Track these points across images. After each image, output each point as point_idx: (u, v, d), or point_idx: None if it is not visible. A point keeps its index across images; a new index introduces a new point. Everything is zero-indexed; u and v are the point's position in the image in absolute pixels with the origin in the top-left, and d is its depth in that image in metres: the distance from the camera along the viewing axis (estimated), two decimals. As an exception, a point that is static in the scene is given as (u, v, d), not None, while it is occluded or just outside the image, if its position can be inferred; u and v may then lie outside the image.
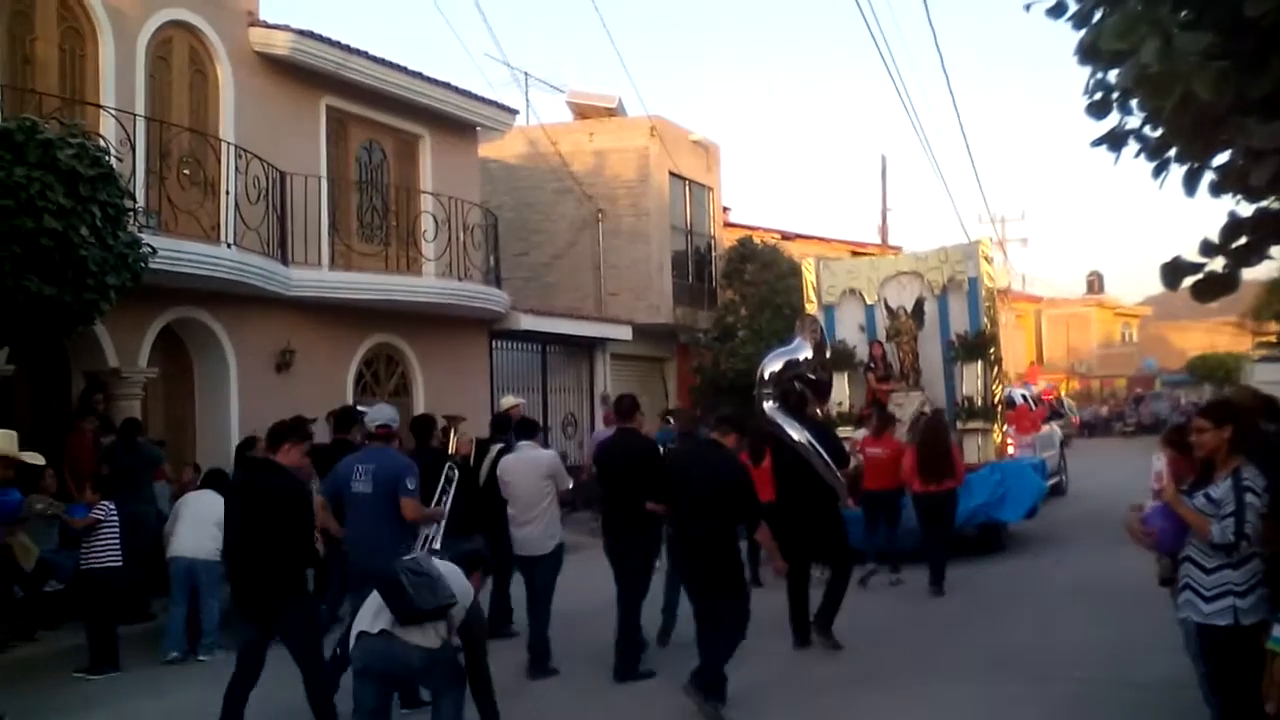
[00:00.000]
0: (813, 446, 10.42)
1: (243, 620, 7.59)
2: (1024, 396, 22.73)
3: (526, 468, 9.70)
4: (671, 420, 18.95)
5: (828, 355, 13.91)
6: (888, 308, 16.88)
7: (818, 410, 12.20)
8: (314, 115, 16.28)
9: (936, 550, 12.95)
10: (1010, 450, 17.01)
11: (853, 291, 17.16)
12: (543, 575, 9.55)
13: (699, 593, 8.37)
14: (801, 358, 11.77)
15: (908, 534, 13.58)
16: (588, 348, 23.31)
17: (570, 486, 10.49)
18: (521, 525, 9.59)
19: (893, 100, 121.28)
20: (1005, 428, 16.65)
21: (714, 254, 27.60)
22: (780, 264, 25.83)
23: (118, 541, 10.49)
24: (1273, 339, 39.24)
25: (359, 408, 12.53)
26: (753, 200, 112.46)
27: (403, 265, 17.52)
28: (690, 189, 26.59)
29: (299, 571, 7.46)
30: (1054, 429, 24.00)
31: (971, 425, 15.65)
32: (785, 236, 30.36)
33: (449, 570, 6.55)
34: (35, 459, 8.71)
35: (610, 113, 26.07)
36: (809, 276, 17.33)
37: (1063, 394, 49.63)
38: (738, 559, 8.51)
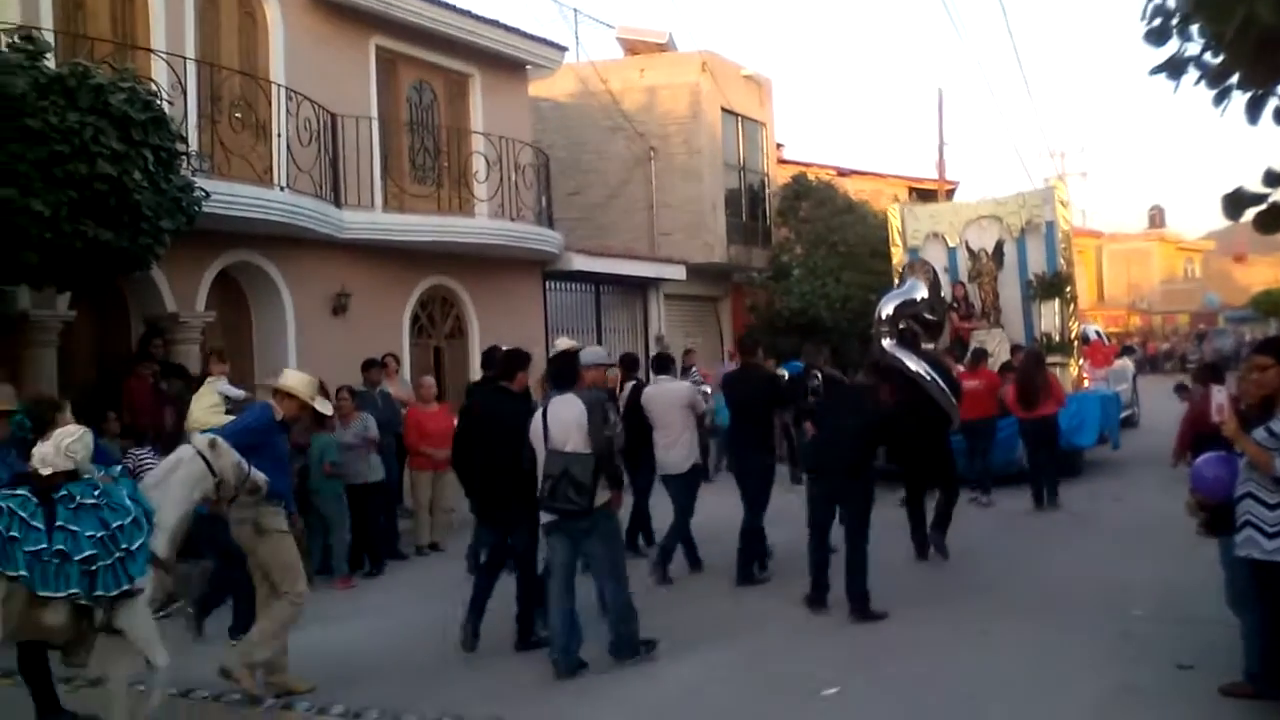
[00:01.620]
0: (930, 377, 11.45)
1: (483, 526, 9.07)
2: (1097, 333, 23.89)
3: (669, 398, 10.95)
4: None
5: (941, 295, 15.37)
6: (969, 250, 18.23)
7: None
8: (363, 56, 16.19)
9: (1047, 470, 14.32)
10: (1086, 383, 17.92)
11: (936, 235, 18.53)
12: (681, 490, 10.84)
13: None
14: (918, 297, 13.18)
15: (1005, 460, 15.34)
16: (641, 288, 23.18)
17: (705, 409, 11.70)
18: (666, 449, 10.81)
19: (948, 32, 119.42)
20: (1081, 362, 17.82)
21: (768, 191, 27.31)
22: (835, 201, 25.58)
23: None
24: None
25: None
26: (807, 137, 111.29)
27: (455, 206, 17.45)
28: (743, 125, 26.27)
29: (530, 484, 8.14)
30: (1127, 363, 24.24)
31: (1050, 360, 16.16)
32: (840, 173, 30.05)
33: None
34: (325, 408, 8.85)
35: (661, 48, 25.78)
36: (894, 221, 18.76)
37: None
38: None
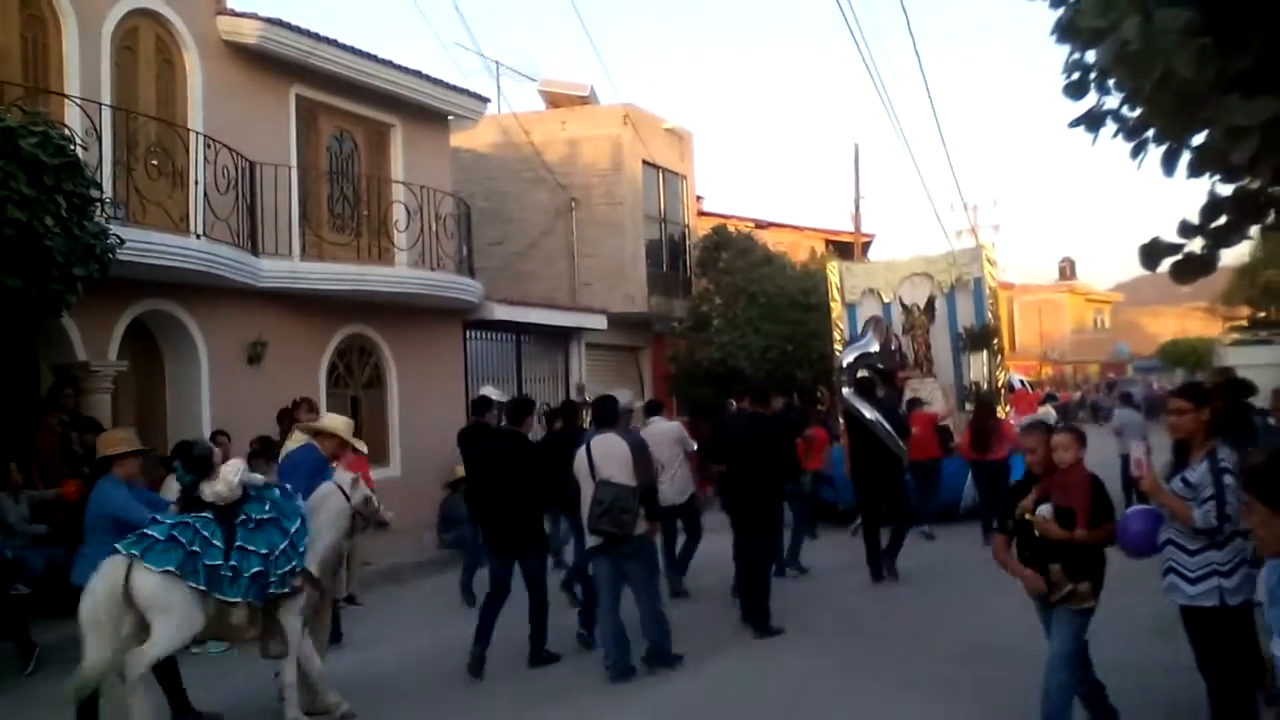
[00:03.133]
0: (881, 424, 13.04)
1: (493, 555, 9.61)
2: (1021, 382, 25.69)
3: (661, 438, 11.89)
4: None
5: (893, 350, 17.56)
6: (903, 304, 19.21)
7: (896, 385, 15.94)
8: (284, 104, 16.11)
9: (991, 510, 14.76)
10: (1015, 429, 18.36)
11: (871, 291, 19.42)
12: (687, 516, 12.40)
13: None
14: (873, 350, 16.32)
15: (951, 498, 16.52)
16: (563, 337, 23.21)
17: (693, 449, 12.66)
18: (665, 483, 11.32)
19: (865, 87, 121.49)
20: (1008, 409, 18.56)
21: (688, 243, 27.53)
22: (755, 252, 25.81)
23: None
24: (1245, 323, 39.51)
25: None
26: (726, 189, 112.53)
27: (375, 255, 17.37)
28: (664, 177, 26.51)
29: (538, 517, 9.76)
30: (1050, 410, 25.32)
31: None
32: (759, 225, 30.36)
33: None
34: (362, 447, 9.88)
35: (583, 101, 25.95)
36: (833, 278, 19.67)
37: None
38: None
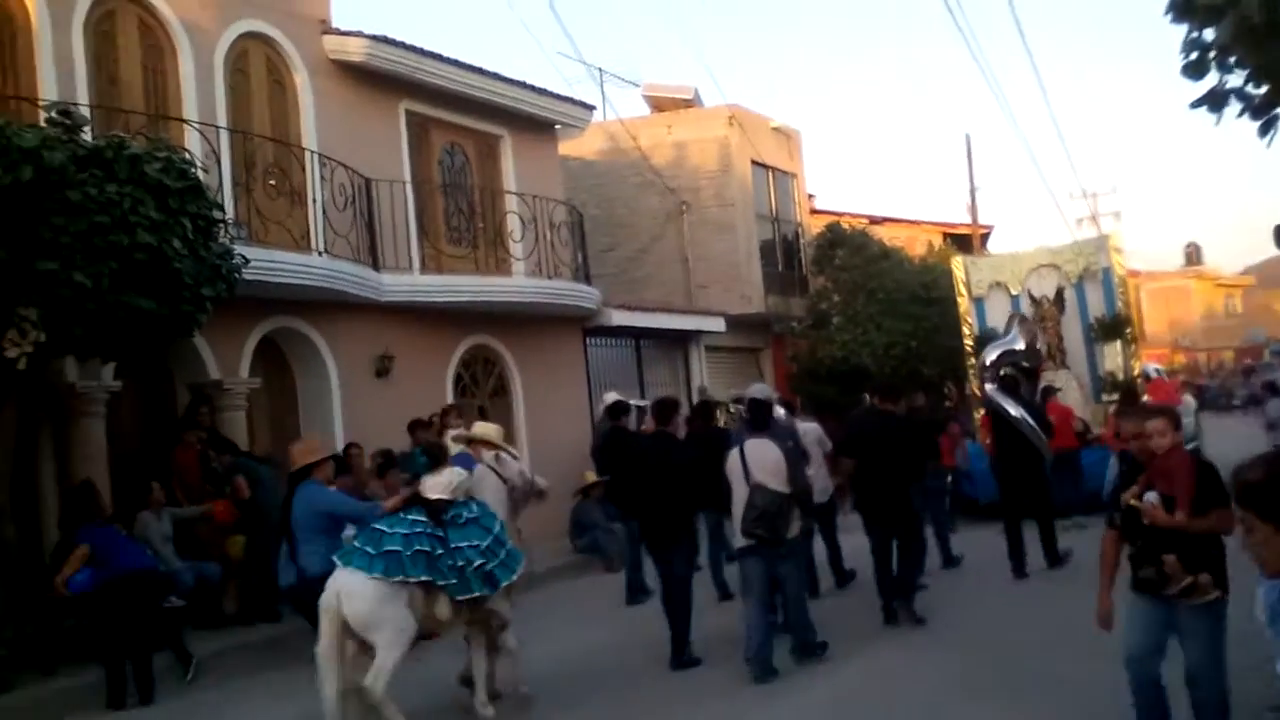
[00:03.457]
0: (1026, 420, 13.02)
1: (651, 553, 9.96)
2: (1157, 370, 24.71)
3: (809, 437, 11.98)
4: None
5: (1038, 348, 17.58)
6: (1031, 297, 19.13)
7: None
8: (394, 120, 16.27)
9: None
10: None
11: (998, 284, 19.39)
12: (824, 515, 12.19)
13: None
14: (1018, 347, 16.63)
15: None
16: (681, 341, 23.08)
17: (830, 449, 12.38)
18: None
19: (976, 77, 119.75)
20: (1144, 399, 18.08)
21: (802, 241, 27.26)
22: (870, 248, 25.43)
23: None
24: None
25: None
26: (838, 187, 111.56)
27: (492, 266, 17.46)
28: (774, 177, 26.29)
29: (691, 517, 9.94)
30: (1189, 399, 24.37)
31: (1114, 398, 17.06)
32: (873, 220, 29.95)
33: None
34: (515, 453, 10.14)
35: (687, 104, 25.89)
36: (958, 273, 19.58)
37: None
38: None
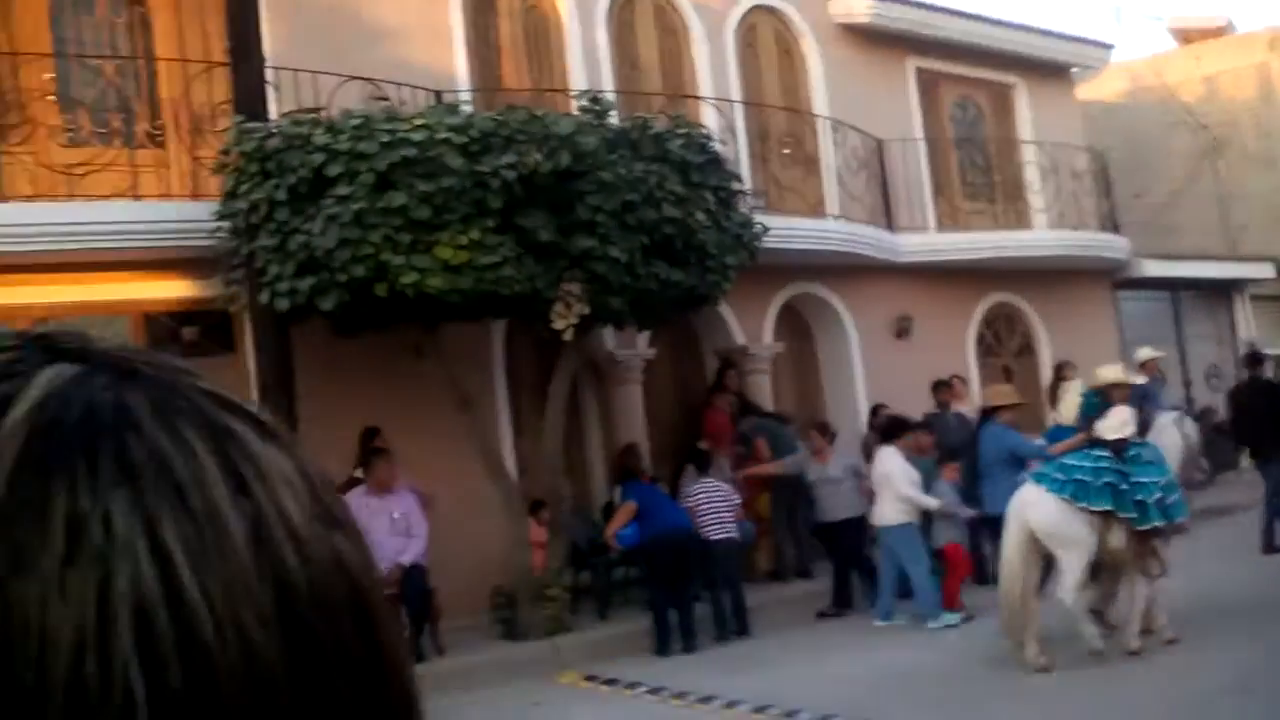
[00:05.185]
0: None
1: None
2: None
3: None
4: None
5: None
6: None
7: None
8: (902, 78, 16.14)
9: None
10: None
11: None
12: None
13: None
14: None
15: None
16: (1223, 291, 21.23)
17: None
18: None
19: None
20: None
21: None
22: None
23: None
24: None
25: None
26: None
27: (1011, 220, 16.92)
28: (1324, 101, 23.60)
29: None
30: None
31: None
32: None
33: None
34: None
35: (1219, 32, 23.78)
36: None
37: None
38: None
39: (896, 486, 10.36)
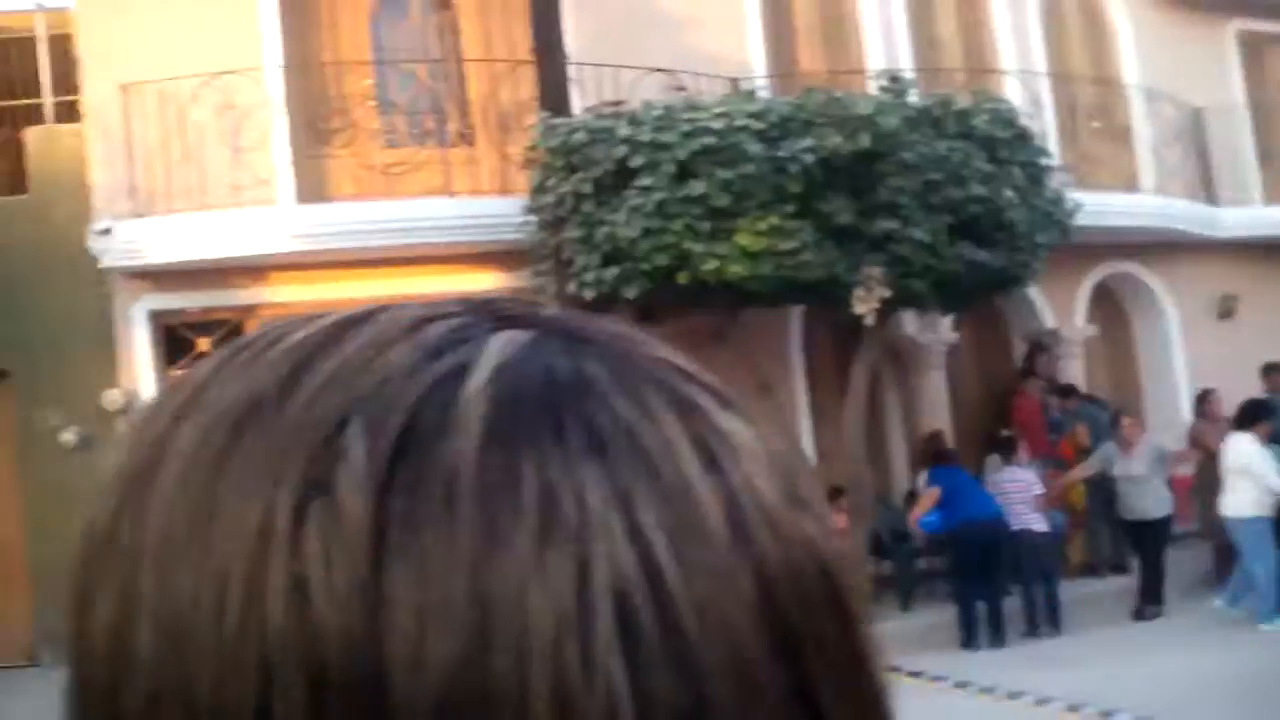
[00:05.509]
0: None
1: None
2: None
3: None
4: None
5: None
6: None
7: None
8: (1222, 43, 15.16)
9: None
10: None
11: None
12: None
13: None
14: None
15: None
16: None
17: None
18: None
19: None
20: None
21: None
22: None
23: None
24: None
25: None
26: None
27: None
28: None
29: None
30: None
31: None
32: None
33: None
34: None
35: None
36: None
37: None
38: None
39: (1259, 476, 9.76)
